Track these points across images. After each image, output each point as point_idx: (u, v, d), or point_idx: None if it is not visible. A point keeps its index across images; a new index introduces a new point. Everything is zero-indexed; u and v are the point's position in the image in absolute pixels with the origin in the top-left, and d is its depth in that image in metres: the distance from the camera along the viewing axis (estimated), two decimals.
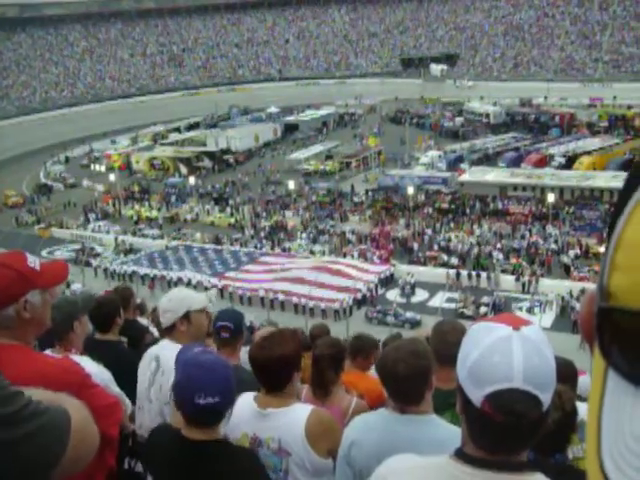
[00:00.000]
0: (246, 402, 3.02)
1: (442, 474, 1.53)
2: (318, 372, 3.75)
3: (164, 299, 3.86)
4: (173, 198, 56.70)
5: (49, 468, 1.46)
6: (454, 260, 39.51)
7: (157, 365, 3.59)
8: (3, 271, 2.22)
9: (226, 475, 2.47)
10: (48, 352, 3.26)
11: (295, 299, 34.83)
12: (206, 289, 36.99)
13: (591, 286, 33.21)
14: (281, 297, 35.31)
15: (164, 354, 3.56)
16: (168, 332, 3.77)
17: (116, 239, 47.97)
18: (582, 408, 3.28)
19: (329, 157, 63.01)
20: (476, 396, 1.43)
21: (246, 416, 2.99)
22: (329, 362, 3.80)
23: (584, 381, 4.92)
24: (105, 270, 42.34)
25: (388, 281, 37.89)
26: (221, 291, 36.45)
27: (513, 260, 38.61)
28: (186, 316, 3.74)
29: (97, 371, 3.15)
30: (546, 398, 1.43)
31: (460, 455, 1.53)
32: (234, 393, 2.56)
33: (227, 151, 68.01)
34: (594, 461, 0.56)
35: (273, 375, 2.96)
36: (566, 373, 3.95)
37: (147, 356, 3.78)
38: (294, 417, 2.93)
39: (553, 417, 2.86)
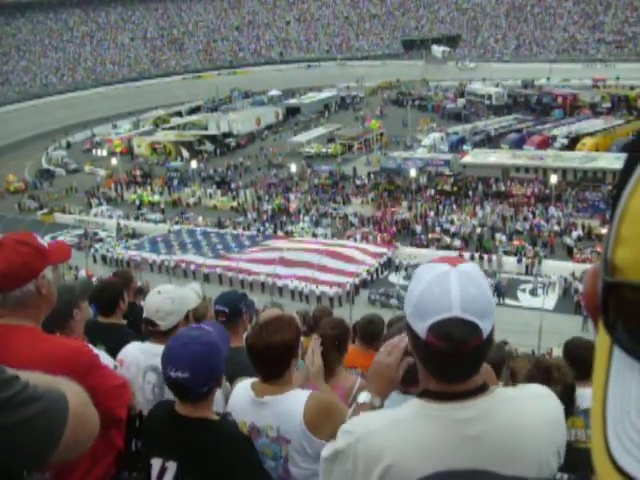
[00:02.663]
0: (243, 390, 3.02)
1: (413, 419, 1.62)
2: (322, 353, 3.74)
3: (163, 300, 3.62)
4: (175, 182, 56.61)
5: (47, 453, 1.44)
6: (457, 242, 39.53)
7: (159, 377, 3.33)
8: (22, 248, 2.28)
9: (210, 450, 2.48)
10: None
11: (291, 285, 34.72)
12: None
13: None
14: (279, 283, 35.23)
15: None
16: (164, 335, 3.49)
17: (118, 224, 47.98)
18: (588, 394, 3.26)
19: (331, 140, 62.80)
20: (421, 328, 1.54)
21: (243, 404, 2.98)
22: (333, 343, 3.78)
23: None
24: (103, 257, 42.21)
25: (388, 264, 37.81)
26: (220, 277, 36.44)
27: (516, 242, 38.59)
28: (186, 316, 3.69)
29: (100, 355, 3.16)
30: (485, 325, 1.54)
31: (425, 394, 1.63)
32: (210, 372, 2.52)
33: (229, 134, 67.84)
34: (599, 440, 0.55)
35: (271, 363, 2.93)
36: (589, 359, 3.98)
37: (130, 364, 3.51)
38: (291, 404, 2.91)
39: (555, 390, 2.87)
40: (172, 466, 2.52)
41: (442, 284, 1.54)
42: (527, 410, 1.64)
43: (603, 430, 0.55)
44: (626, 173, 0.56)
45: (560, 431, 1.69)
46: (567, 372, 2.97)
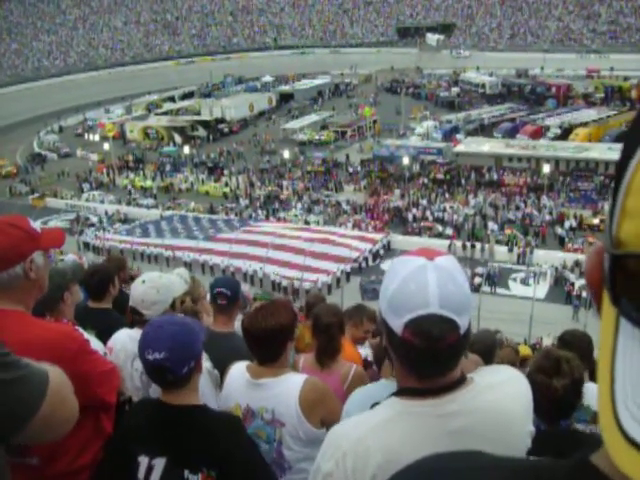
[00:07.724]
0: (238, 372, 3.01)
1: (397, 420, 1.59)
2: (329, 340, 3.73)
3: (147, 290, 3.59)
4: (167, 167, 56.52)
5: (24, 419, 1.46)
6: (449, 231, 39.57)
7: None
8: (12, 230, 2.28)
9: (204, 435, 2.45)
10: None
11: (272, 276, 34.44)
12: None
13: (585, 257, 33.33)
14: (260, 273, 34.98)
15: None
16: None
17: (106, 211, 47.71)
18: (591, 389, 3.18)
19: (324, 127, 62.82)
20: (397, 325, 1.51)
21: (238, 386, 2.98)
22: (338, 329, 3.82)
23: None
24: (86, 244, 41.22)
25: (381, 253, 37.64)
26: (202, 266, 36.08)
27: (507, 231, 38.64)
28: (172, 304, 3.66)
29: (91, 340, 3.14)
30: (463, 321, 1.52)
31: (405, 392, 1.61)
32: (187, 351, 2.48)
33: (222, 120, 67.68)
34: (608, 412, 0.55)
35: (267, 346, 2.93)
36: (584, 349, 3.99)
37: (119, 351, 3.49)
38: (288, 387, 2.91)
39: (562, 383, 2.86)
40: (160, 462, 2.46)
41: (419, 279, 1.51)
42: (506, 396, 1.65)
43: (612, 403, 0.55)
44: (632, 143, 0.56)
45: (531, 411, 1.72)
46: (576, 365, 2.95)
